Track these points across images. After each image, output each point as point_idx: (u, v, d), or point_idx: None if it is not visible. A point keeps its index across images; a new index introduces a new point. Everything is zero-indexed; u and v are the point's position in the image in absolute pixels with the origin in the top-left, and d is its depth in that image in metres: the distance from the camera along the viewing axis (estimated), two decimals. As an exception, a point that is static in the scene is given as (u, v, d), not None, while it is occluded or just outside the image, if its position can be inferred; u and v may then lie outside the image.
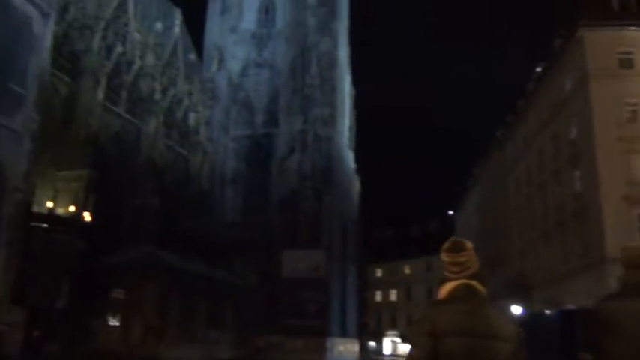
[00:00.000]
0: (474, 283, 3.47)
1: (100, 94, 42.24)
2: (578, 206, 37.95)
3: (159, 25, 61.48)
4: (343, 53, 61.93)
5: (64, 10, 39.59)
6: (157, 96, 49.55)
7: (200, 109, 58.01)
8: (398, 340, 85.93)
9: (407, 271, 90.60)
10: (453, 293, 3.45)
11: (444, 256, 3.61)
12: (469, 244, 3.58)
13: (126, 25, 48.09)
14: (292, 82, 59.73)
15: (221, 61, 64.02)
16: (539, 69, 47.14)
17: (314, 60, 58.57)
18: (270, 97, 61.86)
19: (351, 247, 63.22)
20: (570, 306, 22.18)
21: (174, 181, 52.90)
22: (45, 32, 33.05)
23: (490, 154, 60.68)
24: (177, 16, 57.65)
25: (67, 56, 40.40)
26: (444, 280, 3.55)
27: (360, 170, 69.71)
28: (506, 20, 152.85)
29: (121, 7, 47.90)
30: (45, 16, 32.98)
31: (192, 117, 56.59)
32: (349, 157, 65.20)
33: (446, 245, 3.65)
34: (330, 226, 55.57)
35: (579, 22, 37.98)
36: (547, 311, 20.30)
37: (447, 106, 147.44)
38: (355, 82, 69.25)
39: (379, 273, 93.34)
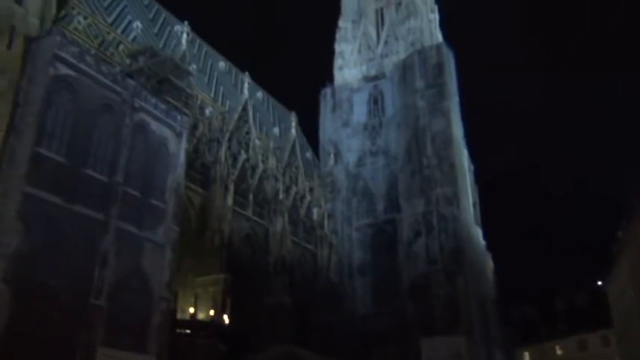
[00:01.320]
0: None
1: (230, 200, 44.79)
2: None
3: (276, 130, 65.66)
4: (457, 130, 61.48)
5: (193, 127, 43.26)
6: (281, 196, 51.63)
7: (322, 203, 59.50)
8: None
9: (558, 352, 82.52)
10: None
11: None
12: None
13: (247, 133, 51.57)
14: (409, 166, 59.89)
15: (337, 154, 66.01)
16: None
17: (429, 141, 58.65)
18: (388, 183, 62.28)
19: (493, 329, 59.16)
20: None
21: (303, 276, 53.77)
22: (179, 150, 36.18)
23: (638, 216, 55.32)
24: (293, 119, 60.99)
25: (198, 169, 43.69)
26: None
27: (490, 246, 66.68)
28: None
29: (242, 118, 51.67)
30: (178, 135, 36.24)
31: (315, 212, 58.04)
32: (478, 235, 62.72)
33: None
34: (468, 308, 52.72)
35: None
36: None
37: (574, 166, 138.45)
38: (473, 156, 68.03)
39: (527, 358, 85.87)
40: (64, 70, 30.05)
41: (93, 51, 37.18)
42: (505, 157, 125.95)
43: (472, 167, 67.51)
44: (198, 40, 61.70)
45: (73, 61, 30.58)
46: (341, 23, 75.07)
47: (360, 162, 64.81)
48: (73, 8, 44.47)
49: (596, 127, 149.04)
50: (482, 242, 64.01)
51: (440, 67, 61.62)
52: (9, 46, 30.42)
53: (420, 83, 61.50)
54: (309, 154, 69.04)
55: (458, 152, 59.78)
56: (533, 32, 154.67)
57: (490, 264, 65.96)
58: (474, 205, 64.58)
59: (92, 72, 31.48)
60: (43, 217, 27.77)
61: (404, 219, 58.36)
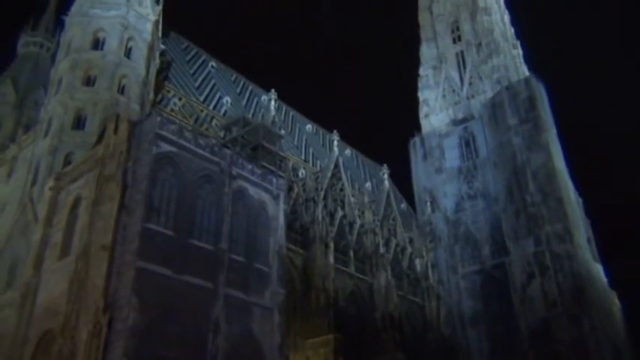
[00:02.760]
0: None
1: (331, 259, 44.46)
2: None
3: (368, 185, 65.54)
4: (559, 163, 58.18)
5: (288, 190, 43.90)
6: (382, 249, 50.69)
7: (424, 253, 57.80)
8: None
9: None
10: None
11: None
12: None
13: (341, 190, 51.72)
14: (512, 205, 57.15)
15: (433, 202, 64.48)
16: None
17: (530, 177, 55.93)
18: (491, 225, 59.63)
19: (631, 375, 53.64)
20: None
21: (413, 330, 51.76)
22: (278, 212, 36.66)
23: None
24: (385, 171, 60.57)
25: (297, 230, 43.97)
26: None
27: (614, 283, 61.43)
28: None
29: (335, 175, 52.02)
30: (276, 198, 36.83)
31: (418, 263, 56.39)
32: (599, 272, 57.98)
33: None
34: (600, 352, 48.12)
35: None
36: None
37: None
38: (580, 190, 63.98)
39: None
40: (165, 148, 31.64)
41: (189, 128, 39.10)
42: (615, 188, 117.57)
43: (580, 201, 63.42)
44: (284, 107, 63.79)
45: (173, 137, 32.20)
46: (422, 71, 75.06)
47: (458, 207, 62.77)
48: (168, 92, 47.63)
49: None
50: (604, 279, 59.10)
51: (532, 101, 59.40)
52: (115, 132, 32.68)
53: (512, 119, 59.47)
54: (403, 206, 67.97)
55: (563, 186, 56.39)
56: (624, 56, 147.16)
57: (616, 302, 60.69)
58: (589, 240, 60.17)
59: (191, 146, 32.94)
60: (156, 289, 28.61)
61: (513, 262, 55.20)
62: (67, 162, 36.70)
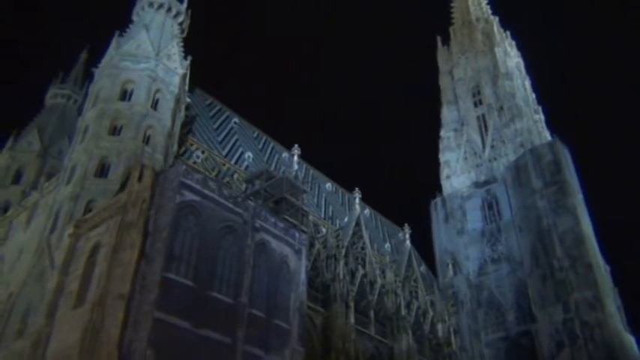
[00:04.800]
0: None
1: (352, 319, 42.79)
2: None
3: (387, 246, 64.19)
4: (587, 228, 56.70)
5: (310, 246, 42.87)
6: (403, 311, 48.88)
7: (446, 317, 55.66)
8: None
9: None
10: None
11: None
12: None
13: (362, 248, 50.51)
14: (538, 270, 55.30)
15: (455, 265, 62.83)
16: None
17: (556, 241, 54.36)
18: (516, 291, 57.60)
19: None
20: None
21: (435, 400, 49.12)
22: (299, 267, 35.54)
23: None
24: (407, 230, 59.41)
25: (317, 287, 42.60)
26: None
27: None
28: None
29: (356, 233, 50.97)
30: (297, 252, 35.81)
31: (440, 327, 54.18)
32: (631, 342, 55.13)
33: None
34: None
35: None
36: None
37: None
38: (607, 257, 61.99)
39: None
40: (189, 197, 31.08)
41: (213, 178, 38.67)
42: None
43: (608, 268, 61.36)
44: (304, 165, 63.63)
45: (198, 187, 31.69)
46: (443, 133, 75.15)
47: (481, 270, 61.00)
48: (191, 145, 47.64)
49: None
50: (636, 351, 56.17)
51: (557, 164, 58.68)
52: (139, 179, 32.30)
53: (537, 182, 58.57)
54: (422, 268, 66.28)
55: (592, 251, 54.65)
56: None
57: (648, 376, 57.40)
58: (618, 309, 57.73)
59: (215, 196, 32.36)
60: (173, 342, 27.30)
61: (541, 330, 52.84)
62: (88, 210, 36.17)
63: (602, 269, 56.08)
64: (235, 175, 48.80)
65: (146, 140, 40.92)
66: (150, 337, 26.49)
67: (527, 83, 79.28)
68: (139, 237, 29.72)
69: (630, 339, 55.60)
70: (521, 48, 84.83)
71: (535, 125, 71.45)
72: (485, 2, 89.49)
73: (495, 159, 68.25)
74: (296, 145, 52.49)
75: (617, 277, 62.76)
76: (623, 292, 61.84)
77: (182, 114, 47.09)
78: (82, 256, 32.47)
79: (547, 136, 71.47)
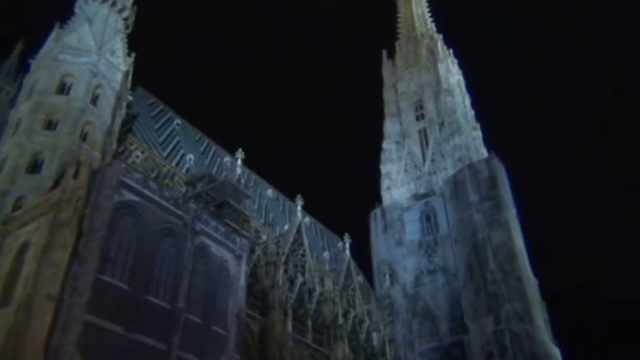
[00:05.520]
0: None
1: (289, 327, 42.42)
2: None
3: (326, 254, 64.19)
4: (519, 242, 58.79)
5: (250, 251, 42.27)
6: (340, 320, 48.93)
7: (381, 327, 56.15)
8: None
9: None
10: None
11: None
12: None
13: (303, 256, 50.29)
14: (472, 282, 56.76)
15: (392, 275, 63.61)
16: None
17: (490, 255, 56.00)
18: (450, 302, 58.87)
19: None
20: None
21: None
22: (239, 273, 35.02)
23: None
24: (347, 240, 59.59)
25: (255, 294, 41.96)
26: None
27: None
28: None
29: (297, 241, 50.72)
30: (238, 258, 35.28)
31: (375, 337, 54.54)
32: (556, 355, 57.37)
33: None
34: None
35: None
36: None
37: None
38: (535, 271, 64.33)
39: None
40: (128, 196, 30.07)
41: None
42: (567, 271, 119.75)
43: (536, 282, 63.71)
44: (246, 170, 62.95)
45: (137, 186, 30.71)
46: (385, 145, 76.28)
47: (417, 281, 62.05)
48: (131, 144, 46.16)
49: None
50: (560, 363, 58.58)
51: (493, 180, 60.56)
52: (75, 176, 30.91)
53: (474, 197, 60.23)
54: (360, 278, 66.72)
55: (523, 265, 56.63)
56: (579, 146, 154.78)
57: (571, 388, 59.89)
58: (545, 322, 60.00)
59: (155, 197, 31.45)
60: (104, 348, 26.22)
61: (472, 340, 54.10)
62: (18, 207, 34.32)
63: (531, 283, 58.13)
64: (176, 178, 47.60)
65: (83, 137, 39.33)
66: (79, 341, 25.34)
67: (467, 100, 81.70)
68: (72, 236, 28.36)
69: (556, 351, 57.81)
70: (462, 66, 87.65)
71: (473, 141, 73.60)
72: (430, 20, 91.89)
73: (435, 172, 69.81)
74: (240, 150, 51.84)
75: (544, 291, 65.20)
76: (548, 306, 64.21)
77: (123, 112, 45.58)
78: (9, 254, 30.66)
79: (484, 152, 73.75)
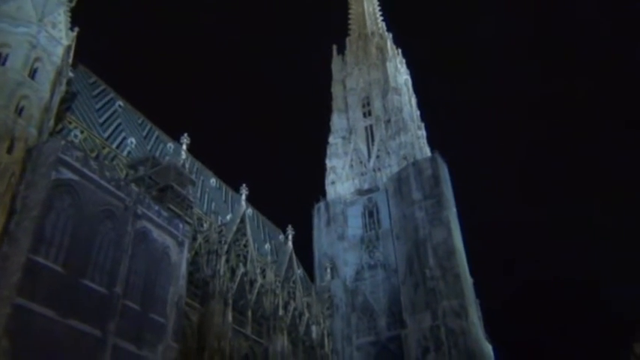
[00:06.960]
0: None
1: (229, 317, 41.64)
2: None
3: (267, 246, 63.63)
4: (458, 241, 60.08)
5: (192, 239, 41.20)
6: (281, 312, 48.55)
7: (321, 320, 56.20)
8: None
9: None
10: None
11: None
12: None
13: (245, 246, 49.51)
14: (411, 278, 57.56)
15: (333, 269, 63.69)
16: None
17: (430, 252, 56.95)
18: (389, 297, 59.53)
19: None
20: None
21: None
22: (180, 260, 33.97)
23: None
24: (290, 232, 59.16)
25: (196, 283, 40.98)
26: None
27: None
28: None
29: (240, 230, 49.88)
30: (180, 244, 34.22)
31: (314, 330, 54.55)
32: (489, 351, 59.06)
33: None
34: None
35: None
36: None
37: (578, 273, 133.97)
38: (471, 269, 66.10)
39: None
40: (66, 174, 28.56)
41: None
42: (502, 270, 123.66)
43: (472, 280, 65.36)
44: (190, 157, 61.41)
45: (77, 165, 29.24)
46: (331, 140, 76.37)
47: (358, 276, 62.43)
48: (70, 123, 44.04)
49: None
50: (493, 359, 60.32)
51: (436, 178, 61.60)
52: (9, 151, 29.12)
53: (417, 194, 61.08)
54: (300, 271, 66.54)
55: (461, 263, 57.92)
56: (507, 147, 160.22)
57: (502, 384, 61.88)
58: (479, 319, 61.64)
59: (95, 177, 30.03)
60: (34, 333, 24.77)
61: (409, 335, 54.91)
62: (-58, 181, 31.95)
63: (468, 280, 59.55)
64: (116, 160, 45.83)
65: (19, 111, 36.96)
66: (7, 325, 23.86)
67: (414, 100, 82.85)
68: (2, 214, 26.74)
69: (489, 347, 59.49)
70: (410, 66, 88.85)
71: (418, 140, 74.66)
72: (380, 18, 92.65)
73: (379, 169, 70.44)
74: (185, 134, 50.45)
75: (478, 289, 66.95)
76: (481, 304, 66.05)
77: (63, 89, 43.17)
78: None
79: (427, 151, 75.01)
